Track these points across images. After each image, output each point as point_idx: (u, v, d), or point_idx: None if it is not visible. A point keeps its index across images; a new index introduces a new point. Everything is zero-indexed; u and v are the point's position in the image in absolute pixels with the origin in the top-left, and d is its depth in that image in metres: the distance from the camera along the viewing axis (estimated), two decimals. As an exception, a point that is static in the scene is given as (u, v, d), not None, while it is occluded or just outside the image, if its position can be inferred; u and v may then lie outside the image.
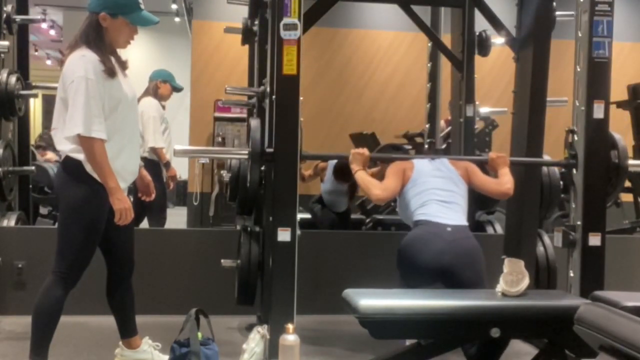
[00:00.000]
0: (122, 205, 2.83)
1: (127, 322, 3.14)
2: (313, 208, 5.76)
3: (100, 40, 2.88)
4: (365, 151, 3.47)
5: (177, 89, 5.65)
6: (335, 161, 5.41)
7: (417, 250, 3.19)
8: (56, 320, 2.85)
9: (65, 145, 2.84)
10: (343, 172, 5.18)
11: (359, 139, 6.36)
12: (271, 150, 3.38)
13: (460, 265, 3.14)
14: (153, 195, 3.33)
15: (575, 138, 3.60)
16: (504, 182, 3.44)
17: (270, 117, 3.59)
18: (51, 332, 2.84)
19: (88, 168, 2.82)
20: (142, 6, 2.96)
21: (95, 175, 2.83)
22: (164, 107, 5.52)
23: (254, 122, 3.61)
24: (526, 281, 2.83)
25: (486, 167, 3.66)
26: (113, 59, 2.93)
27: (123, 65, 3.00)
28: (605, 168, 3.60)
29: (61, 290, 2.85)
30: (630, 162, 3.68)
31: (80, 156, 2.82)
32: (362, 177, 3.40)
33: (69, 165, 2.85)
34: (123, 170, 2.92)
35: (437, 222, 3.22)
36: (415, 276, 3.21)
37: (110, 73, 2.85)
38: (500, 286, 2.84)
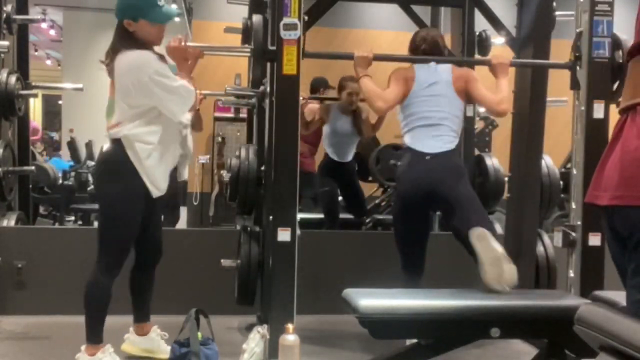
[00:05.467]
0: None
1: (142, 306, 3.36)
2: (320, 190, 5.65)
3: (135, 41, 3.02)
4: (369, 53, 3.49)
5: None
6: (337, 103, 5.39)
7: (401, 184, 3.46)
8: (106, 307, 3.09)
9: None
10: (346, 81, 5.30)
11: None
12: (273, 48, 3.38)
13: (441, 186, 3.31)
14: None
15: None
16: (500, 100, 3.46)
17: (270, 117, 3.59)
18: (103, 318, 3.10)
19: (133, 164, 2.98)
20: (161, 1, 3.06)
21: (137, 168, 2.98)
22: None
23: (257, 18, 3.60)
24: (509, 268, 2.84)
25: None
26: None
27: (164, 60, 3.14)
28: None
29: (108, 279, 3.05)
30: None
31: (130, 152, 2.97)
32: (367, 84, 3.47)
33: (113, 157, 3.01)
34: (161, 179, 3.09)
35: (419, 151, 3.39)
36: (407, 207, 3.43)
37: (164, 61, 3.07)
38: (487, 286, 2.87)
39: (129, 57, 2.98)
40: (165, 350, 3.26)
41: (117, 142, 3.02)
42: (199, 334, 3.02)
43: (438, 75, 3.49)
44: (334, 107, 5.40)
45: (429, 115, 3.43)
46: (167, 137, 3.08)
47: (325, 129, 5.50)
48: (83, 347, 3.12)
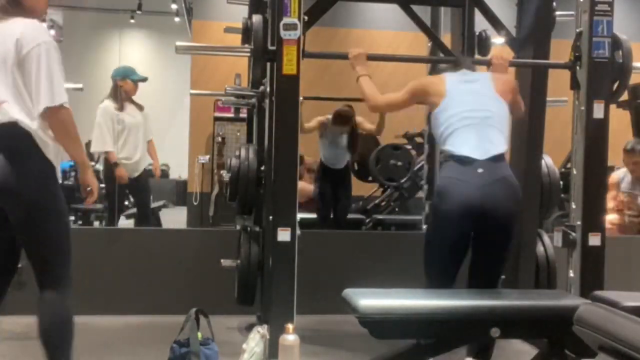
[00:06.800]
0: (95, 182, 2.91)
1: None
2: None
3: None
4: (361, 50, 3.51)
5: (140, 81, 5.60)
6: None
7: (444, 200, 2.96)
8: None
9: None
10: (341, 117, 5.72)
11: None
12: (273, 48, 3.37)
13: (488, 220, 2.91)
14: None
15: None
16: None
17: (270, 117, 3.59)
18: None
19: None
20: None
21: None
22: (121, 108, 5.46)
23: (257, 18, 3.58)
24: None
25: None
26: None
27: None
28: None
29: (71, 299, 2.76)
30: (635, 64, 3.58)
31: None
32: (363, 85, 3.37)
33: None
34: None
35: (465, 157, 2.93)
36: (449, 228, 2.97)
37: None
38: None
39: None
40: None
41: None
42: (199, 334, 3.02)
43: (474, 76, 3.24)
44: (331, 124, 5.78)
45: (470, 115, 3.02)
46: None
47: (323, 142, 5.87)
48: None
